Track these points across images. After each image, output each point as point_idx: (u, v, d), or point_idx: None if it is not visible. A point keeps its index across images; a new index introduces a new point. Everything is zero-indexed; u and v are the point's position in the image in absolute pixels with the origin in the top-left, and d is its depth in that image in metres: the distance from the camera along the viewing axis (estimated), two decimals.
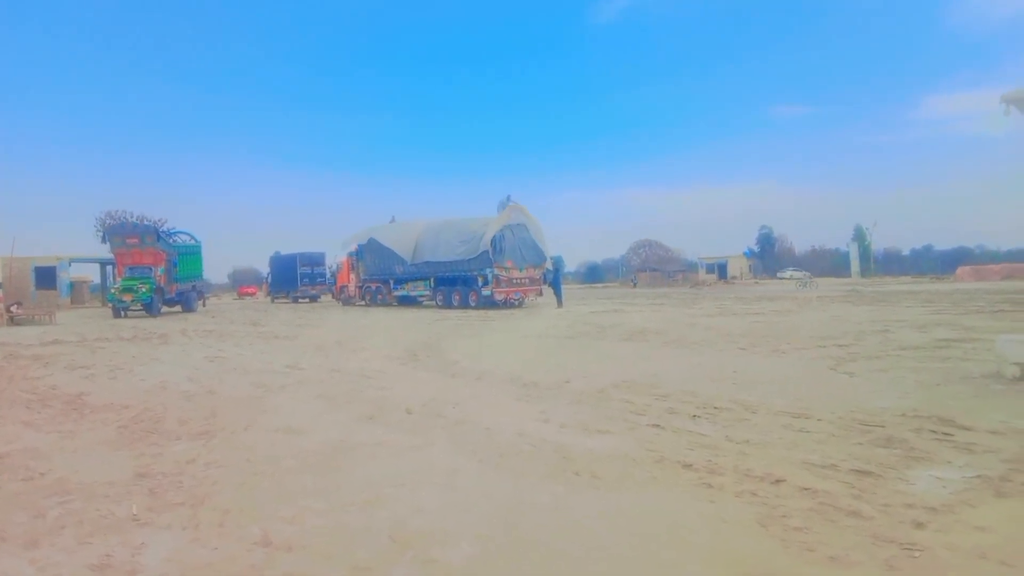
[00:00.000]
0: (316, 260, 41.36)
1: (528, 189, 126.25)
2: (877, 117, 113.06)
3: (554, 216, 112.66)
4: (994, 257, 59.91)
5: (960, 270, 47.63)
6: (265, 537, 3.34)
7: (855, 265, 40.41)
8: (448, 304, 25.94)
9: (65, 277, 37.36)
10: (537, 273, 26.38)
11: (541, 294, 27.11)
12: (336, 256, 36.42)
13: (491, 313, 22.36)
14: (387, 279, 29.23)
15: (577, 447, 4.96)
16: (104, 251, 29.51)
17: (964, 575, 2.76)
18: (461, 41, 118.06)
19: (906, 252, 75.18)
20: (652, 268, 64.84)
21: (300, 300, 40.47)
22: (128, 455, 5.05)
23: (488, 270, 24.21)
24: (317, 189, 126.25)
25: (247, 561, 3.08)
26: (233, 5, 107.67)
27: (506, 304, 24.89)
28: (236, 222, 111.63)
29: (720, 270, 66.38)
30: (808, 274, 39.51)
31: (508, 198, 25.88)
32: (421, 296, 27.94)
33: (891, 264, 68.67)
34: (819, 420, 5.50)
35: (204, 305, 32.50)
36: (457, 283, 25.87)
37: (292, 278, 40.48)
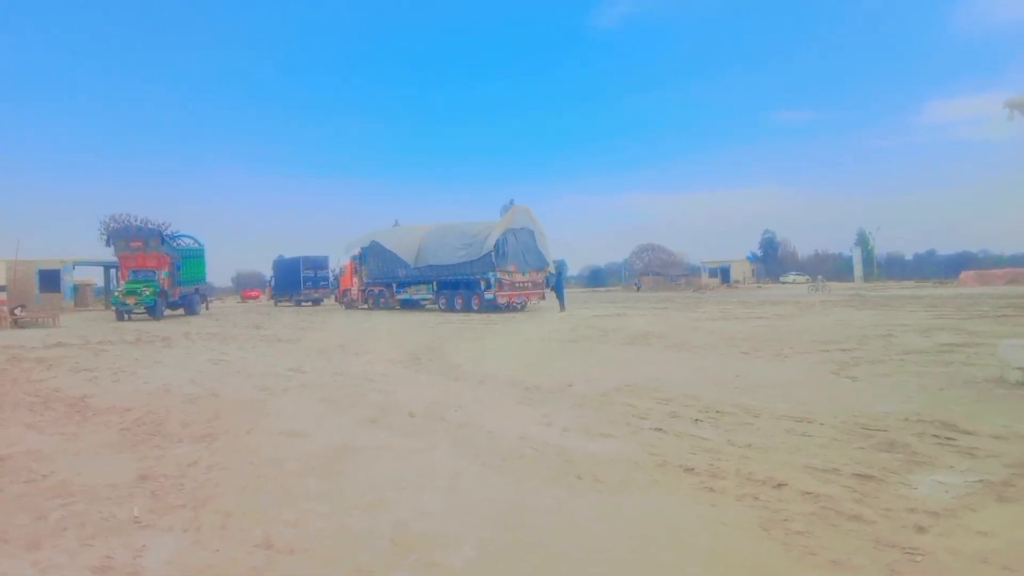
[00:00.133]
0: (319, 264, 41.38)
1: (530, 193, 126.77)
2: (880, 122, 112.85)
3: (557, 220, 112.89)
4: (998, 262, 59.70)
5: (963, 275, 47.55)
6: (267, 540, 3.34)
7: (858, 269, 40.40)
8: (451, 308, 25.96)
9: (69, 280, 37.46)
10: (540, 277, 26.39)
11: (544, 298, 27.12)
12: (339, 260, 36.50)
13: (494, 317, 22.36)
14: (390, 283, 29.27)
15: (579, 451, 4.96)
16: (108, 254, 29.57)
17: None
18: (464, 46, 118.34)
19: (909, 256, 75.11)
20: (655, 272, 64.85)
21: (303, 303, 40.50)
22: (130, 457, 5.06)
23: (491, 274, 24.22)
24: (321, 193, 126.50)
25: (249, 564, 3.08)
26: (239, 12, 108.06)
27: (509, 308, 24.90)
28: (240, 226, 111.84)
29: (723, 274, 66.23)
30: (822, 278, 39.46)
31: (511, 202, 25.91)
32: (424, 300, 27.97)
33: (894, 268, 68.50)
34: (821, 424, 5.49)
35: (207, 308, 32.57)
36: (460, 287, 25.89)
37: (295, 281, 40.52)
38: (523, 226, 25.64)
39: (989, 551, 2.98)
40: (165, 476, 4.52)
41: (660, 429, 5.55)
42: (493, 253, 24.05)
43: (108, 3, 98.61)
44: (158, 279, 26.14)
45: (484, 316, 22.78)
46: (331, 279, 39.90)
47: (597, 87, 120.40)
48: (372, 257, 30.03)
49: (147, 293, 25.19)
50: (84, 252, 40.21)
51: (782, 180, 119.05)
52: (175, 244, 28.63)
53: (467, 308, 25.23)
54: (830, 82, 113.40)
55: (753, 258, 74.94)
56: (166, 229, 31.41)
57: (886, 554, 2.99)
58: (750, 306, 24.43)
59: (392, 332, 17.41)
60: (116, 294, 26.66)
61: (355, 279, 32.16)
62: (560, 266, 28.99)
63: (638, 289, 57.13)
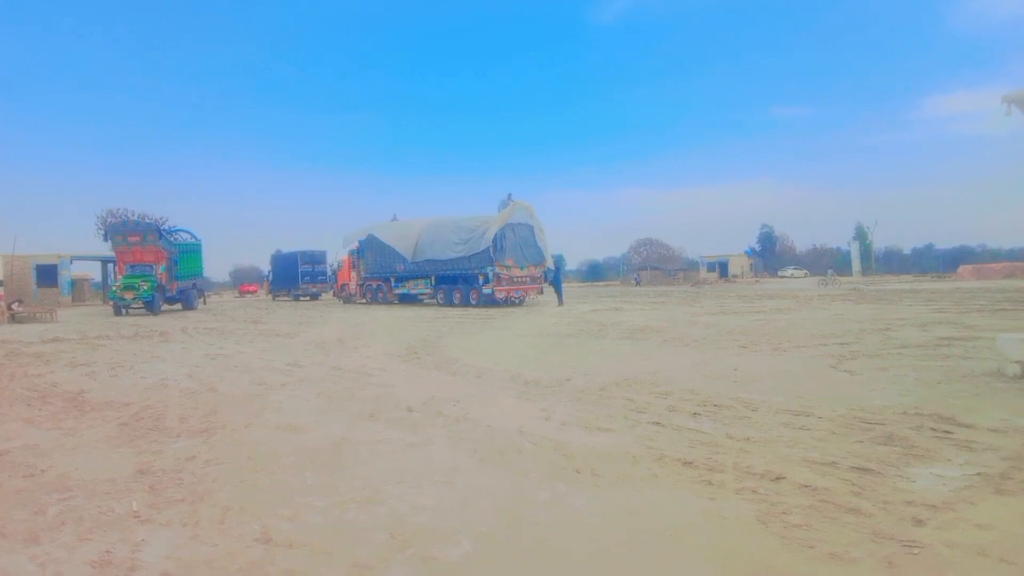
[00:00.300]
0: (317, 258, 41.35)
1: (529, 188, 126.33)
2: (878, 117, 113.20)
3: (555, 215, 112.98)
4: (995, 256, 59.90)
5: (961, 269, 47.62)
6: (265, 534, 3.34)
7: (856, 264, 40.41)
8: (449, 302, 25.95)
9: (66, 275, 37.37)
10: (538, 271, 26.36)
11: (542, 292, 27.11)
12: (337, 254, 36.49)
13: (492, 311, 22.36)
14: (388, 277, 29.24)
15: (577, 445, 4.96)
16: (105, 249, 29.48)
17: (964, 572, 2.76)
18: (463, 41, 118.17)
19: (907, 251, 75.23)
20: (653, 266, 64.85)
21: (301, 298, 40.46)
22: (129, 452, 5.05)
23: (489, 268, 24.20)
24: (319, 188, 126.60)
25: (247, 558, 3.08)
26: (237, 6, 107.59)
27: (507, 302, 24.89)
28: (237, 220, 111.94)
29: (721, 268, 66.40)
30: (832, 272, 39.46)
31: (509, 197, 25.87)
32: (422, 294, 27.94)
33: (892, 263, 68.63)
34: (819, 418, 5.49)
35: (204, 303, 32.53)
36: (458, 281, 25.87)
37: (293, 276, 40.47)
38: (522, 221, 25.61)
39: (987, 544, 2.98)
40: (163, 470, 4.52)
41: (658, 423, 5.56)
42: (491, 248, 24.02)
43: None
44: (156, 274, 26.10)
45: (482, 311, 22.77)
46: (329, 274, 39.88)
47: (595, 82, 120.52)
48: (370, 251, 29.99)
49: (145, 288, 25.16)
50: (81, 247, 40.25)
51: (780, 175, 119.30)
52: (172, 239, 28.54)
53: (465, 303, 25.21)
54: (828, 77, 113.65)
55: (751, 252, 75.12)
56: (164, 224, 31.33)
57: (884, 547, 3.00)
58: (748, 300, 24.45)
59: (390, 327, 17.40)
60: (114, 289, 26.61)
61: (353, 274, 32.11)
62: (558, 261, 28.98)
63: (637, 284, 57.16)
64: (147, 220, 35.37)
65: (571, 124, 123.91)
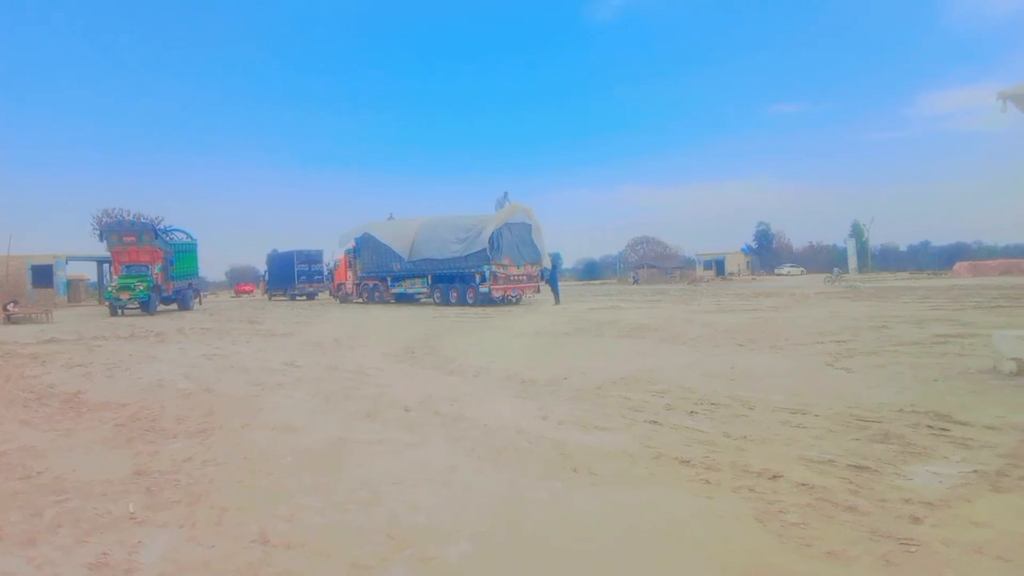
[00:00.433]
0: (313, 258, 41.31)
1: (525, 186, 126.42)
2: (874, 114, 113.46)
3: (551, 213, 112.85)
4: (991, 253, 60.03)
5: (957, 266, 47.76)
6: (263, 535, 3.33)
7: (852, 261, 40.47)
8: (446, 301, 25.93)
9: (62, 275, 37.27)
10: (535, 270, 26.36)
11: (539, 291, 27.11)
12: (334, 253, 36.46)
13: (489, 310, 22.35)
14: (384, 276, 29.21)
15: (575, 443, 4.96)
16: (101, 249, 29.36)
17: (961, 570, 2.76)
18: (459, 39, 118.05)
19: (903, 248, 75.54)
20: (650, 264, 64.93)
21: (297, 298, 40.42)
22: (125, 453, 5.04)
23: (486, 267, 24.18)
24: (315, 187, 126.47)
25: (244, 559, 3.07)
26: (233, 6, 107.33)
27: (504, 301, 24.89)
28: (233, 220, 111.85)
29: (718, 266, 66.40)
30: (838, 269, 39.50)
31: (505, 195, 25.89)
32: (419, 293, 27.92)
33: (888, 260, 68.83)
34: (816, 416, 5.50)
35: (200, 303, 32.46)
36: (455, 280, 25.84)
37: (289, 276, 40.41)
38: (520, 220, 25.61)
39: (984, 541, 2.99)
40: (160, 472, 4.51)
41: (656, 421, 5.56)
42: (488, 247, 24.01)
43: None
44: (152, 274, 26.04)
45: (479, 310, 22.77)
46: (325, 273, 39.84)
47: (592, 79, 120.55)
48: (366, 251, 29.95)
49: (141, 288, 25.10)
50: (77, 247, 39.96)
51: (776, 172, 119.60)
52: (168, 238, 28.46)
53: (462, 302, 25.20)
54: (824, 74, 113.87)
55: (748, 250, 75.14)
56: (159, 223, 31.20)
57: (881, 545, 3.00)
58: (745, 298, 24.48)
59: (387, 326, 17.39)
60: (109, 289, 26.54)
61: (349, 273, 32.08)
62: (555, 259, 28.97)
63: (635, 282, 57.18)
64: (143, 220, 35.21)
65: (567, 122, 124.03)
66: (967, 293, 21.98)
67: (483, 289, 24.35)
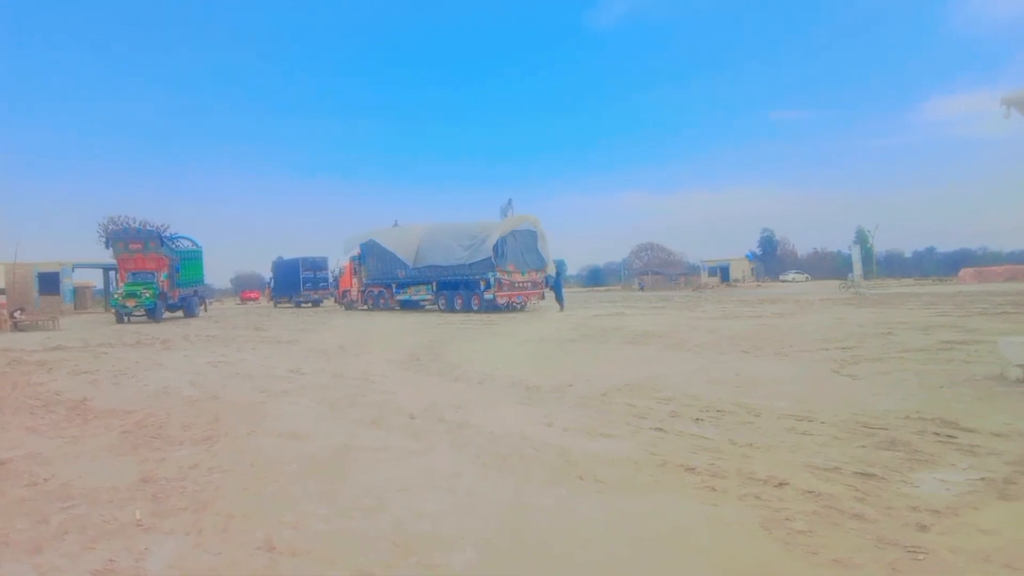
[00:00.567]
0: (319, 264, 41.39)
1: (529, 193, 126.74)
2: (878, 120, 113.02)
3: (555, 220, 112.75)
4: (996, 259, 59.78)
5: (962, 272, 47.55)
6: (268, 542, 3.34)
7: (857, 267, 40.23)
8: (451, 308, 25.95)
9: (68, 283, 37.49)
10: (539, 277, 26.38)
11: (543, 298, 27.13)
12: (338, 260, 36.51)
13: (493, 317, 22.36)
14: (389, 283, 29.26)
15: (580, 451, 4.95)
16: (107, 256, 29.55)
17: None
18: (461, 46, 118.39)
19: (908, 254, 75.16)
20: (654, 271, 64.83)
21: (303, 304, 40.51)
22: (131, 460, 5.05)
23: (490, 274, 24.22)
24: (320, 194, 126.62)
25: (250, 566, 3.08)
26: (237, 14, 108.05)
27: (508, 308, 24.91)
28: (239, 227, 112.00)
29: (722, 273, 66.34)
30: (852, 275, 39.20)
31: (509, 202, 25.97)
32: (423, 300, 27.96)
33: (893, 266, 68.52)
34: (822, 423, 5.49)
35: (206, 310, 32.55)
36: (459, 287, 25.88)
37: (295, 283, 40.52)
38: (525, 228, 25.65)
39: (991, 549, 2.98)
40: (166, 479, 4.52)
41: (661, 429, 5.55)
42: (493, 254, 24.04)
43: (107, 7, 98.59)
44: (157, 281, 26.15)
45: (484, 316, 22.77)
46: (331, 280, 39.92)
47: (594, 87, 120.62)
48: (371, 258, 30.01)
49: (147, 295, 25.20)
50: (83, 254, 40.24)
51: (780, 179, 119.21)
52: (174, 246, 28.62)
53: (467, 308, 25.22)
54: (827, 81, 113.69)
55: (752, 257, 75.02)
56: (165, 231, 31.38)
57: (888, 552, 2.99)
58: (750, 305, 24.43)
59: (391, 333, 17.40)
60: (116, 296, 26.64)
61: (354, 280, 32.14)
62: (559, 266, 29.00)
63: (641, 289, 57.10)
64: (149, 227, 35.44)
65: (570, 129, 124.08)
66: (973, 299, 21.90)
67: (488, 296, 24.38)
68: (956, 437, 4.89)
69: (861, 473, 4.12)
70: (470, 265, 24.99)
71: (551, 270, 26.91)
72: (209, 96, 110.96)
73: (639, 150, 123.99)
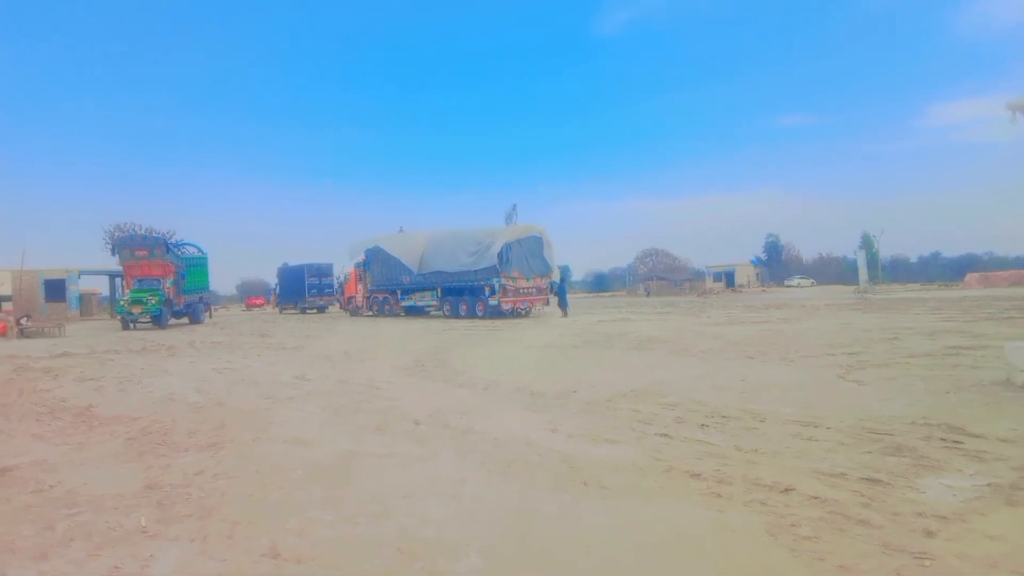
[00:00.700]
0: (324, 271, 41.48)
1: (534, 199, 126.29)
2: (883, 125, 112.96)
3: (560, 226, 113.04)
4: (1002, 264, 59.52)
5: (968, 277, 47.41)
6: (273, 548, 3.34)
7: (863, 273, 40.12)
8: (455, 314, 25.98)
9: (74, 289, 37.58)
10: (544, 282, 26.39)
11: (548, 303, 27.12)
12: (344, 266, 36.59)
13: (498, 323, 22.37)
14: (394, 289, 29.31)
15: (585, 457, 4.95)
16: (113, 263, 29.63)
17: None
18: (468, 54, 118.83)
19: (914, 259, 75.04)
20: (659, 276, 64.82)
21: (308, 311, 40.58)
22: (137, 467, 5.06)
23: (495, 280, 24.24)
24: (326, 201, 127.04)
25: (255, 573, 3.08)
26: (244, 23, 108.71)
27: (513, 314, 24.91)
28: (245, 234, 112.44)
29: (727, 278, 66.20)
30: (868, 281, 39.00)
31: (514, 207, 26.21)
32: (428, 306, 27.99)
33: (899, 271, 68.34)
34: (828, 428, 5.47)
35: (211, 317, 32.61)
36: (464, 293, 25.90)
37: (300, 289, 40.59)
38: (531, 236, 25.69)
39: (998, 555, 2.96)
40: (171, 485, 4.53)
41: (666, 434, 5.54)
42: (498, 260, 24.07)
43: (112, 14, 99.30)
44: (163, 288, 26.21)
45: (489, 322, 22.78)
46: (336, 286, 39.99)
47: (600, 93, 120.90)
48: (376, 264, 30.08)
49: (152, 302, 25.27)
50: (89, 261, 40.48)
51: (785, 184, 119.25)
52: (179, 252, 28.68)
53: (472, 314, 25.24)
54: (832, 86, 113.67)
55: (757, 262, 74.86)
56: (171, 238, 31.53)
57: (894, 559, 2.98)
58: (755, 310, 24.38)
59: (396, 339, 17.42)
60: (121, 303, 26.72)
61: (359, 286, 32.20)
62: (563, 272, 28.99)
63: (648, 295, 57.02)
64: (154, 234, 35.64)
65: (575, 135, 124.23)
66: (978, 304, 21.81)
67: (492, 302, 24.38)
68: (963, 443, 4.87)
69: (867, 479, 4.11)
70: (475, 272, 25.02)
71: (556, 276, 26.91)
72: (216, 104, 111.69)
73: (644, 155, 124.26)
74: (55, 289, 35.94)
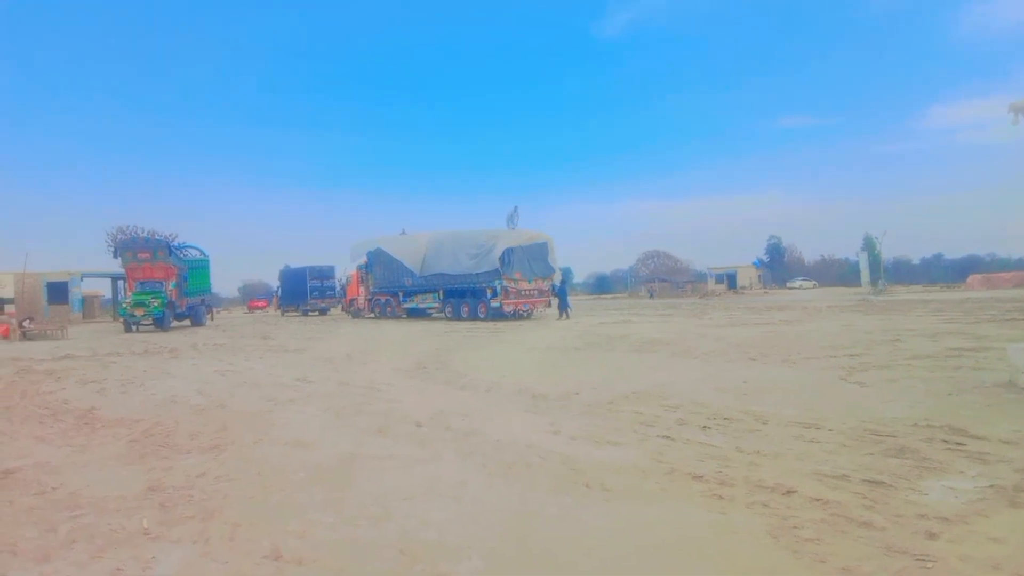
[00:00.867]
0: (326, 273, 41.54)
1: (536, 202, 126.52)
2: (885, 127, 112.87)
3: (562, 228, 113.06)
4: (1005, 265, 59.40)
5: (971, 279, 47.29)
6: (275, 551, 3.34)
7: (865, 275, 40.08)
8: (457, 316, 25.97)
9: (77, 292, 37.65)
10: (546, 285, 26.39)
11: (550, 305, 27.11)
12: (346, 269, 36.64)
13: (500, 325, 22.36)
14: (396, 291, 29.30)
15: (586, 459, 4.94)
16: (115, 266, 29.65)
17: None
18: (470, 58, 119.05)
19: (916, 261, 74.87)
20: (661, 278, 64.72)
21: (310, 313, 40.62)
22: (139, 469, 5.07)
23: (497, 282, 24.24)
24: (328, 204, 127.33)
25: (257, 574, 3.09)
26: (247, 29, 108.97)
27: (515, 316, 24.90)
28: (246, 236, 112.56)
29: (729, 280, 66.14)
30: (883, 281, 38.82)
31: (515, 210, 26.01)
32: (430, 308, 27.98)
33: (901, 273, 68.18)
34: (830, 430, 5.46)
35: (213, 319, 32.62)
36: (466, 295, 25.89)
37: (302, 291, 40.64)
38: (535, 242, 25.69)
39: (1001, 557, 2.95)
40: (174, 487, 4.53)
41: (668, 436, 5.54)
42: (500, 263, 24.07)
43: (113, 19, 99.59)
44: (165, 290, 26.24)
45: (490, 324, 22.78)
46: (338, 288, 40.03)
47: (602, 96, 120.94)
48: (378, 266, 30.08)
49: (155, 304, 25.30)
50: (92, 264, 40.39)
51: (787, 186, 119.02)
52: (182, 255, 28.71)
53: (473, 316, 25.23)
54: (834, 88, 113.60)
55: (759, 264, 74.77)
56: (173, 240, 31.52)
57: (897, 561, 2.97)
58: (757, 312, 24.35)
59: (398, 341, 17.43)
60: (124, 306, 26.74)
61: (361, 288, 32.20)
62: (565, 274, 29.00)
63: (651, 297, 56.97)
64: (157, 237, 35.68)
65: (576, 138, 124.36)
66: (981, 306, 21.76)
67: (494, 304, 24.38)
68: (965, 444, 4.86)
69: (869, 481, 4.10)
70: (477, 274, 25.02)
71: (557, 279, 26.91)
72: (218, 109, 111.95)
73: (645, 157, 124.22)
74: (58, 292, 36.00)
